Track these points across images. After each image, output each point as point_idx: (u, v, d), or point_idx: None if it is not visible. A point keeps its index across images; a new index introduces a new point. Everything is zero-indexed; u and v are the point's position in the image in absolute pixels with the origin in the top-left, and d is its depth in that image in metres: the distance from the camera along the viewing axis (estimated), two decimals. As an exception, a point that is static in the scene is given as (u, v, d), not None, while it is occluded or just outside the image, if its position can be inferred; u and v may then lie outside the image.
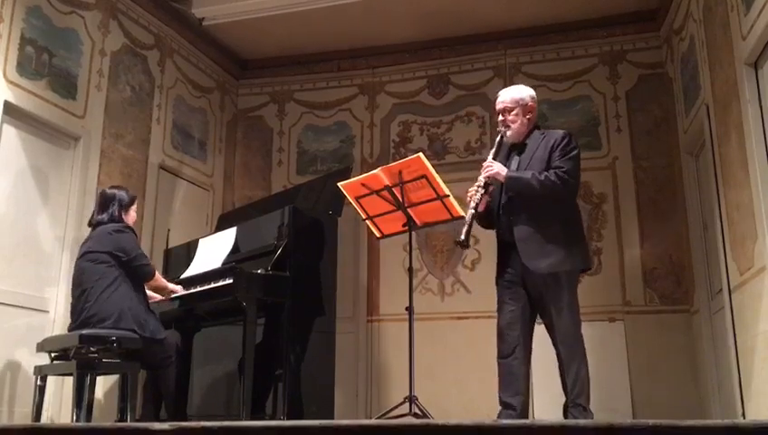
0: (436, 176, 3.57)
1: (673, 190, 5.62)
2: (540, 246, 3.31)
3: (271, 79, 6.83)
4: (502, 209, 3.48)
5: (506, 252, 3.47)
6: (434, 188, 3.52)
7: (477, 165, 3.55)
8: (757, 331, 3.92)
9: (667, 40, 5.73)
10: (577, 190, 3.51)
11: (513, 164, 3.51)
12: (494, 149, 3.56)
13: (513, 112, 3.52)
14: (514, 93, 3.59)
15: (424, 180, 3.53)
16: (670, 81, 5.67)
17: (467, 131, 6.21)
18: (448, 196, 3.53)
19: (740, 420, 3.49)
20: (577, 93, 6.02)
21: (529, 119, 3.55)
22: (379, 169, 3.69)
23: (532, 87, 5.99)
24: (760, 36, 3.71)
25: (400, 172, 3.59)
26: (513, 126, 3.52)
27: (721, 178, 4.44)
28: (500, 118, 3.56)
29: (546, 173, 3.32)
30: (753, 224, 3.88)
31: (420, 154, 3.57)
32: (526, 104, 3.55)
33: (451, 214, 3.56)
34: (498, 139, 3.58)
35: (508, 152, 3.59)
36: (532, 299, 3.41)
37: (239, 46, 6.62)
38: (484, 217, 3.54)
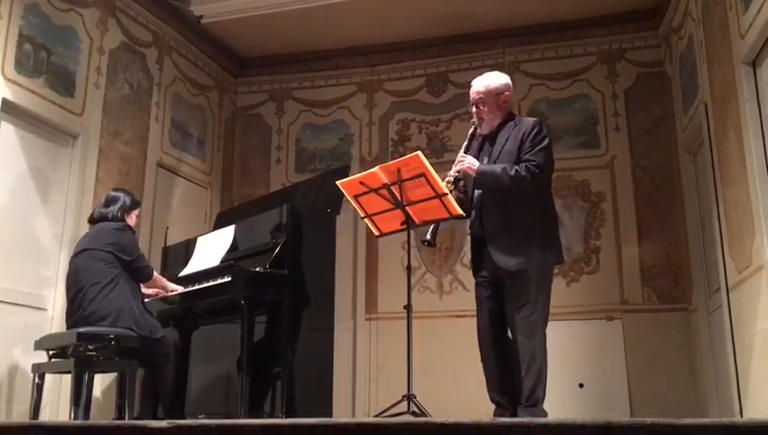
0: (434, 174, 3.56)
1: (671, 189, 5.62)
2: (510, 243, 3.27)
3: (269, 77, 6.83)
4: (474, 204, 3.47)
5: (479, 246, 3.44)
6: (432, 187, 3.51)
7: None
8: (755, 329, 3.93)
9: (665, 39, 5.73)
10: (549, 182, 3.45)
11: (486, 156, 3.48)
12: (466, 142, 3.53)
13: (488, 104, 3.47)
14: (490, 82, 3.50)
15: (422, 179, 3.52)
16: (669, 79, 5.67)
17: (466, 130, 6.17)
18: (447, 194, 3.52)
19: (738, 419, 3.49)
20: (575, 92, 6.03)
21: (503, 110, 3.50)
22: (378, 167, 3.68)
23: (530, 86, 6.12)
24: (758, 35, 3.71)
25: (399, 170, 3.58)
26: (486, 118, 3.49)
27: (719, 176, 4.45)
28: (474, 109, 3.52)
29: (517, 167, 3.27)
30: (751, 222, 3.88)
31: (419, 152, 3.56)
32: (501, 93, 3.49)
33: (450, 212, 3.55)
34: (471, 131, 3.56)
35: (481, 143, 3.57)
36: (504, 294, 3.37)
37: (238, 44, 6.61)
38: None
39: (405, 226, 3.70)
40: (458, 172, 3.44)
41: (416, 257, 5.94)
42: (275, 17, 5.97)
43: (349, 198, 3.83)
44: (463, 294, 5.77)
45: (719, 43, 4.33)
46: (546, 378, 3.24)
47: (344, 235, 5.57)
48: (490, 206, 3.38)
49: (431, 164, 3.48)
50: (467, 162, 3.41)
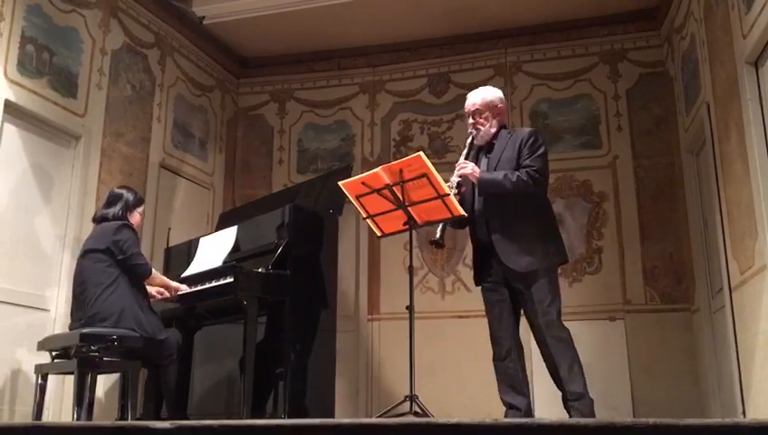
0: (436, 175, 3.57)
1: (673, 189, 5.62)
2: (517, 245, 3.37)
3: (271, 77, 6.83)
4: (476, 210, 3.54)
5: (483, 252, 3.53)
6: (434, 187, 3.51)
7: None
8: (757, 329, 3.93)
9: (667, 38, 5.72)
10: (547, 187, 3.59)
11: (483, 164, 3.59)
12: (465, 150, 3.64)
13: (483, 115, 3.61)
14: (485, 95, 3.65)
15: (424, 179, 3.52)
16: (671, 79, 5.66)
17: (468, 130, 6.20)
18: (449, 194, 3.53)
19: (740, 419, 3.49)
20: (577, 92, 6.02)
21: (498, 120, 3.62)
22: (380, 167, 3.68)
23: (532, 86, 6.12)
24: (760, 35, 3.71)
25: (401, 171, 3.58)
26: (482, 128, 3.61)
27: (721, 176, 4.45)
28: (470, 120, 3.64)
29: (518, 173, 3.39)
30: (753, 222, 3.88)
31: (421, 153, 3.56)
32: (496, 106, 3.63)
33: (452, 213, 3.56)
34: (469, 140, 3.66)
35: (477, 153, 3.67)
36: (514, 296, 3.47)
37: (240, 44, 6.62)
38: (457, 219, 3.57)
39: (407, 226, 3.70)
40: (461, 177, 3.50)
41: (418, 258, 5.94)
42: (277, 18, 5.98)
43: (351, 199, 3.83)
44: (465, 295, 5.77)
45: (721, 43, 4.33)
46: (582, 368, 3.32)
47: (346, 235, 5.58)
48: (493, 212, 3.46)
49: (433, 164, 3.48)
50: (470, 168, 3.48)
